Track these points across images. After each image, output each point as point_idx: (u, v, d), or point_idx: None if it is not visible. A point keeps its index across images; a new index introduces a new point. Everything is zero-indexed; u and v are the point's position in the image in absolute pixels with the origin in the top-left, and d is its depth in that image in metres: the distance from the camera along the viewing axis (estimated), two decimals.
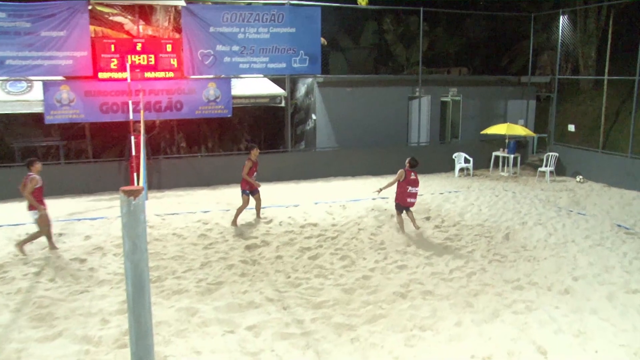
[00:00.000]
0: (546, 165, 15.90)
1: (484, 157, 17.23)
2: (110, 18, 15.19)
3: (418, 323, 6.21)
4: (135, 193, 2.80)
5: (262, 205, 11.10)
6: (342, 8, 16.69)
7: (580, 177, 15.42)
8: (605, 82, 15.68)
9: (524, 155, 18.02)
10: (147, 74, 13.53)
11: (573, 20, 19.09)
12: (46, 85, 12.94)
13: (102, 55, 13.14)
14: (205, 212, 11.66)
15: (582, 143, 17.24)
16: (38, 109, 13.19)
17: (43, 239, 9.01)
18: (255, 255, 8.83)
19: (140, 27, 14.75)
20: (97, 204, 12.49)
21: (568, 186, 14.73)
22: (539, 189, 14.27)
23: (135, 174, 11.95)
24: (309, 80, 16.81)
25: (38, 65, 12.73)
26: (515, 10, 20.63)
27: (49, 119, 13.20)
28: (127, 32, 15.17)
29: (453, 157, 16.69)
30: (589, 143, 17.08)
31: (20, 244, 8.79)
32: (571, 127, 17.46)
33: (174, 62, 13.74)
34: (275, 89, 15.59)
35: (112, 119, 13.73)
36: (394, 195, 10.20)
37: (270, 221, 10.89)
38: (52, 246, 9.00)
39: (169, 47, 13.71)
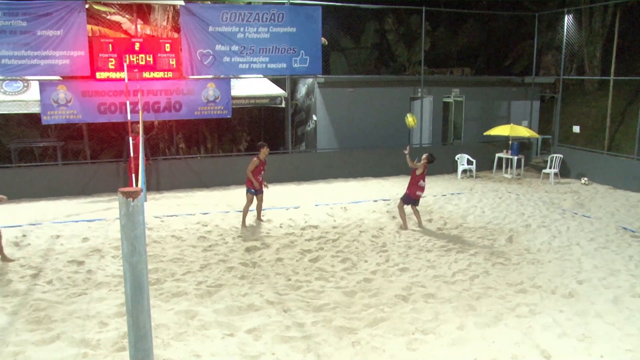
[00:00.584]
0: (550, 167, 15.90)
1: (487, 159, 17.25)
2: (108, 17, 15.21)
3: (420, 326, 6.22)
4: (133, 194, 2.81)
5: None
6: (342, 7, 16.71)
7: (585, 179, 15.42)
8: (611, 82, 15.68)
9: (528, 156, 18.03)
10: (146, 74, 13.54)
11: (578, 20, 19.10)
12: (43, 85, 12.95)
13: (100, 54, 13.14)
14: (205, 213, 11.67)
15: (587, 144, 17.25)
16: (35, 109, 13.20)
17: (41, 243, 9.02)
18: (255, 257, 8.84)
19: (139, 26, 14.76)
20: (95, 206, 12.50)
21: (572, 188, 14.73)
22: (542, 191, 14.27)
23: (133, 175, 11.96)
24: (310, 80, 16.83)
25: (34, 64, 12.73)
26: (519, 9, 20.65)
27: (45, 120, 13.20)
28: (125, 32, 15.18)
29: (456, 158, 16.69)
30: (594, 144, 17.09)
31: None
32: (576, 129, 17.46)
33: (173, 62, 13.76)
34: (275, 90, 15.60)
35: (109, 120, 13.75)
36: (406, 188, 10.68)
37: (271, 223, 10.91)
38: (4, 258, 8.49)
39: (167, 47, 13.72)
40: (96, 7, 14.66)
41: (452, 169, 16.82)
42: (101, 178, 13.76)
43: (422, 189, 10.51)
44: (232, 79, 14.67)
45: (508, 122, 17.74)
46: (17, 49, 12.53)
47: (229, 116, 14.86)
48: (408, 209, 10.75)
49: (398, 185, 14.78)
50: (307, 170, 15.68)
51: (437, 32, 22.54)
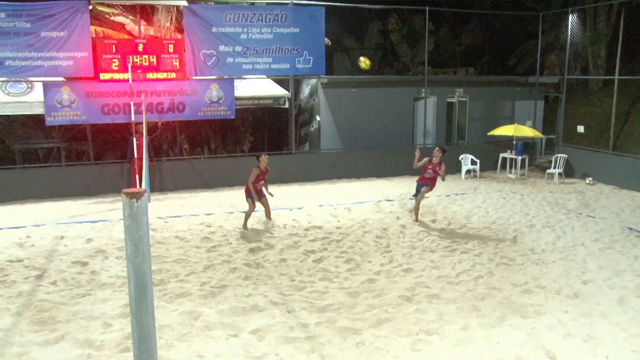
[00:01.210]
0: (555, 167, 15.87)
1: (491, 159, 17.22)
2: (112, 18, 15.25)
3: (424, 327, 6.21)
4: (137, 195, 2.81)
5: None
6: (346, 8, 16.72)
7: (590, 179, 15.37)
8: (616, 82, 15.63)
9: (532, 156, 17.99)
10: (149, 75, 13.58)
11: (582, 19, 19.06)
12: (47, 86, 12.99)
13: (103, 55, 13.19)
14: (208, 214, 11.68)
15: (591, 144, 17.19)
16: (38, 110, 13.24)
17: (45, 244, 9.05)
18: (259, 258, 8.84)
19: (142, 27, 14.80)
20: (99, 207, 12.53)
21: (577, 188, 14.69)
22: (547, 191, 14.24)
23: (137, 176, 11.98)
24: (313, 81, 16.83)
25: (38, 66, 12.78)
26: (523, 9, 20.61)
27: (49, 121, 13.25)
28: (129, 33, 15.22)
29: (460, 158, 16.67)
30: (599, 144, 17.03)
31: None
32: (580, 128, 17.41)
33: (176, 63, 13.79)
34: (278, 90, 15.61)
35: (113, 121, 13.79)
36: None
37: (274, 224, 10.92)
38: None
39: (170, 48, 13.75)
40: (100, 8, 14.70)
41: (456, 169, 16.78)
42: (105, 179, 13.78)
43: (426, 179, 10.96)
44: (235, 80, 14.69)
45: (512, 122, 17.69)
46: (21, 50, 12.57)
47: (232, 117, 14.88)
48: (423, 202, 11.23)
49: (402, 186, 14.77)
50: (311, 170, 15.68)
51: (441, 32, 22.53)
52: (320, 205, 12.53)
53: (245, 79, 15.16)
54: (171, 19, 15.89)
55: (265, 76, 15.29)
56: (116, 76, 13.31)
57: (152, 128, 15.85)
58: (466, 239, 9.85)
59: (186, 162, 15.15)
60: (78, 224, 10.92)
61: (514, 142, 16.54)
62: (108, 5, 14.85)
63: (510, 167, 16.84)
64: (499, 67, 22.63)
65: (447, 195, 13.59)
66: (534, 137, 17.00)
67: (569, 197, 13.41)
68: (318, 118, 16.74)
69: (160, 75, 13.70)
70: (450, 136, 19.49)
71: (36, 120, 15.18)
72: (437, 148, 11.05)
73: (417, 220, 10.97)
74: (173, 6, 15.44)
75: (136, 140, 12.23)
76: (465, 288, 7.45)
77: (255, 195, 10.48)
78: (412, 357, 5.58)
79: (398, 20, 21.97)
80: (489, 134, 16.81)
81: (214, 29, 13.89)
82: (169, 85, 13.84)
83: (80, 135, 16.36)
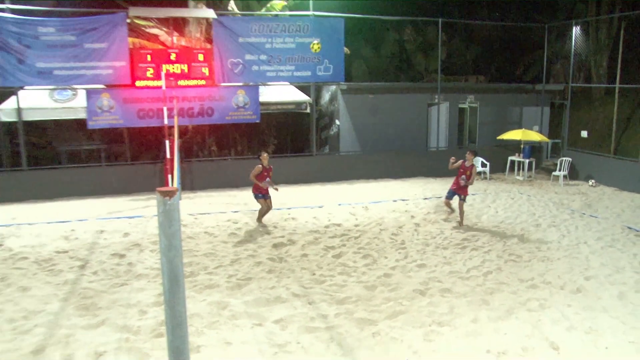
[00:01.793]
0: (560, 170, 15.68)
1: (500, 162, 17.05)
2: (147, 30, 15.38)
3: (436, 319, 6.19)
4: (170, 193, 2.82)
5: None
6: (364, 19, 16.67)
7: (593, 181, 15.17)
8: (617, 90, 15.43)
9: (539, 159, 17.78)
10: (181, 82, 13.67)
11: (585, 31, 18.87)
12: (89, 93, 13.16)
13: (139, 64, 13.31)
14: (235, 212, 11.75)
15: (594, 148, 16.97)
16: (82, 115, 13.44)
17: (87, 237, 9.17)
18: (282, 253, 8.88)
19: (174, 38, 14.90)
20: (135, 204, 12.68)
21: (581, 190, 14.51)
22: (552, 193, 14.08)
23: (169, 176, 12.09)
24: (333, 87, 16.83)
25: (82, 74, 12.94)
26: (529, 20, 20.39)
27: (91, 125, 13.43)
28: (162, 43, 15.35)
29: None
30: (601, 148, 16.81)
31: None
32: (584, 133, 17.18)
33: (206, 71, 13.87)
34: (301, 96, 15.63)
35: (148, 124, 13.89)
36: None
37: (296, 221, 10.94)
38: None
39: (200, 57, 13.84)
40: (136, 21, 14.83)
41: None
42: (140, 178, 13.92)
43: (461, 188, 10.64)
44: (260, 86, 14.73)
45: (520, 127, 17.48)
46: (67, 61, 12.76)
47: (257, 121, 14.91)
48: (455, 203, 10.98)
49: (416, 187, 14.71)
50: (331, 171, 15.67)
51: (453, 42, 22.39)
52: (339, 204, 12.52)
53: (269, 85, 15.21)
54: (201, 30, 15.99)
55: (288, 83, 15.31)
56: (151, 83, 13.43)
57: (183, 131, 15.97)
58: (476, 237, 9.78)
59: (215, 163, 15.24)
60: (116, 220, 11.06)
61: (522, 146, 16.39)
62: (144, 19, 14.98)
63: (518, 170, 16.68)
64: (507, 75, 22.42)
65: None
66: (541, 141, 16.80)
67: (573, 198, 13.24)
68: (337, 122, 16.74)
69: (191, 82, 13.79)
70: (461, 140, 19.35)
71: (80, 124, 15.40)
72: (468, 151, 10.71)
73: (462, 224, 10.59)
74: (203, 18, 15.54)
75: (169, 143, 12.34)
76: (475, 283, 7.41)
77: (262, 184, 10.29)
78: (425, 347, 5.57)
79: (413, 31, 21.89)
80: (498, 138, 16.65)
81: (240, 39, 13.95)
82: (199, 92, 13.93)
83: (118, 138, 16.58)
